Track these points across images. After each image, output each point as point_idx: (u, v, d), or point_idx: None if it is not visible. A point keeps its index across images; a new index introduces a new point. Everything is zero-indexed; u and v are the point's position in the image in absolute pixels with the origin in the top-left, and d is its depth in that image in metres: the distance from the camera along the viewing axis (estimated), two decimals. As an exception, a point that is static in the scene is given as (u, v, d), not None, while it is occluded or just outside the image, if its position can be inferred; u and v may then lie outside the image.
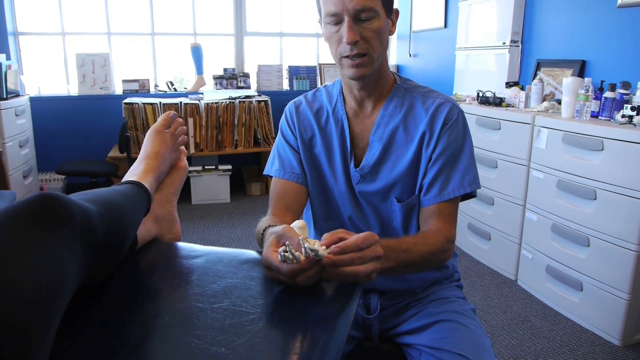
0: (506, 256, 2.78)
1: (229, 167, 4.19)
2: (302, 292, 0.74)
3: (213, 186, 4.19)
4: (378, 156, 1.12)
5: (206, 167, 4.15)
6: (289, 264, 0.71)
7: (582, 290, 2.24)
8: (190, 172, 4.06)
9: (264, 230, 0.92)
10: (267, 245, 0.78)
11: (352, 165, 1.14)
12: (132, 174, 0.93)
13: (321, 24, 1.09)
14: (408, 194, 1.12)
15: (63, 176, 4.14)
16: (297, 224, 0.83)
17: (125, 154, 3.61)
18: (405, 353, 1.14)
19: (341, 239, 0.76)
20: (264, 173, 1.23)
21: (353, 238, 0.75)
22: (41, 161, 4.06)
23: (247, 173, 4.62)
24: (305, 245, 0.71)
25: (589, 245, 2.18)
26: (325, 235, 0.77)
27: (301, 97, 1.24)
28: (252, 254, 0.90)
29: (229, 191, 4.26)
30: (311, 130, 1.19)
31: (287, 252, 0.71)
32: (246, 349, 0.60)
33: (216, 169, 4.16)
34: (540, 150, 2.44)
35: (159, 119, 1.05)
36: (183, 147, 1.08)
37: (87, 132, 4.37)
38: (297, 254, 0.71)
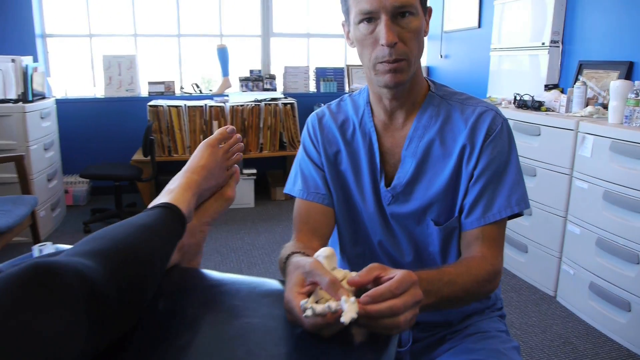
0: (545, 270, 2.63)
1: (254, 171, 4.12)
2: (329, 338, 0.64)
3: (237, 191, 4.08)
4: (412, 174, 1.01)
5: (231, 171, 4.08)
6: (312, 319, 0.61)
7: (630, 310, 2.08)
8: (214, 176, 3.99)
9: (286, 258, 0.81)
10: (290, 284, 0.68)
11: (382, 184, 1.04)
12: (169, 190, 0.82)
13: (347, 26, 0.98)
14: (446, 216, 1.01)
15: (87, 179, 4.14)
16: (323, 252, 0.73)
17: (149, 158, 3.58)
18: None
19: (377, 279, 0.66)
20: (284, 191, 1.13)
21: (387, 284, 0.64)
22: (66, 164, 4.06)
23: (272, 177, 4.54)
24: (330, 305, 0.61)
25: (639, 263, 2.02)
26: (359, 274, 0.66)
27: (324, 108, 1.13)
28: (273, 284, 0.80)
29: (254, 196, 4.19)
30: (336, 145, 1.08)
31: (311, 307, 0.61)
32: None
33: (241, 172, 4.08)
34: (585, 158, 2.28)
35: (215, 133, 0.94)
36: (237, 170, 0.96)
37: (112, 134, 4.37)
38: (322, 307, 0.61)
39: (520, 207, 0.97)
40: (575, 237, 2.38)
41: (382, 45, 0.89)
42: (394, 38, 0.88)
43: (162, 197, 0.80)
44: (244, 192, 4.14)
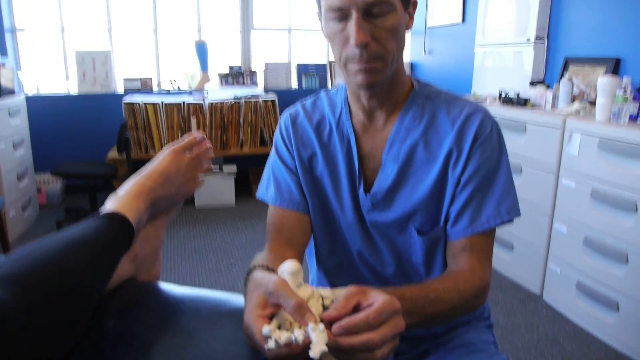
0: (531, 269, 2.58)
1: (234, 168, 4.03)
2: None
3: (217, 189, 4.02)
4: (393, 180, 0.92)
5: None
6: (276, 349, 0.53)
7: (618, 310, 2.04)
8: (193, 174, 3.89)
9: (248, 274, 0.71)
10: (250, 305, 0.59)
11: (361, 190, 0.95)
12: (117, 197, 0.73)
13: (320, 18, 0.89)
14: (431, 225, 0.93)
15: (61, 178, 4.00)
16: (288, 267, 0.64)
17: (124, 156, 3.46)
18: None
19: (357, 307, 0.58)
20: (257, 197, 1.03)
21: (363, 314, 0.55)
22: (38, 162, 3.91)
23: (253, 174, 4.44)
24: (295, 337, 0.53)
25: (627, 262, 1.97)
26: (335, 306, 0.58)
27: (298, 107, 1.03)
28: (239, 301, 0.72)
29: (234, 194, 4.09)
30: (311, 148, 0.99)
31: (274, 339, 0.53)
32: None
33: (221, 170, 3.99)
34: (572, 156, 2.23)
35: (183, 140, 0.84)
36: (203, 178, 0.87)
37: (86, 132, 4.23)
38: (287, 337, 0.53)
39: (510, 215, 0.89)
40: (562, 235, 2.33)
41: (353, 45, 0.80)
42: (366, 38, 0.79)
43: (109, 204, 0.71)
44: (224, 190, 4.04)
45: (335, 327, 0.53)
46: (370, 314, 0.55)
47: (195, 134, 0.86)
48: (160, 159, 0.81)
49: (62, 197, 4.17)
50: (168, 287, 0.78)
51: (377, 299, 0.57)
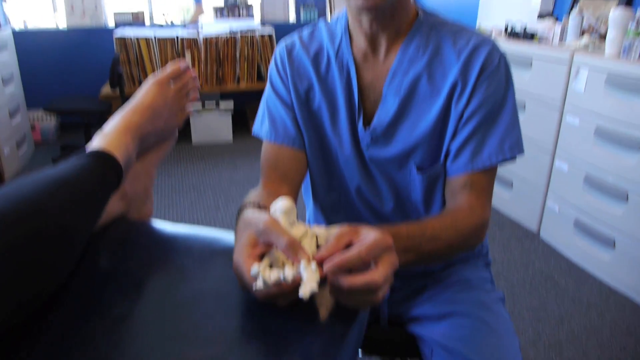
0: (529, 207, 2.58)
1: (231, 104, 3.95)
2: (288, 309, 0.55)
3: (214, 125, 3.97)
4: (394, 114, 0.88)
5: (206, 105, 3.91)
6: (265, 289, 0.52)
7: (614, 248, 2.06)
8: (189, 111, 3.83)
9: (239, 212, 0.69)
10: (240, 245, 0.57)
11: (360, 124, 0.91)
12: (103, 133, 0.69)
13: None
14: (431, 161, 0.90)
15: (55, 115, 3.94)
16: (280, 205, 0.61)
17: (118, 92, 3.39)
18: (417, 344, 0.97)
19: (349, 246, 0.56)
20: (252, 133, 1.00)
21: (354, 249, 0.53)
22: (31, 99, 3.84)
23: (250, 110, 4.38)
24: (284, 275, 0.51)
25: (627, 201, 1.97)
26: (327, 246, 0.55)
27: (294, 38, 0.97)
28: (230, 240, 0.70)
29: (232, 131, 4.05)
30: (308, 81, 0.94)
31: (262, 278, 0.51)
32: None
33: (217, 107, 3.93)
34: (578, 92, 2.17)
35: (166, 69, 0.80)
36: (190, 109, 0.84)
37: (78, 67, 4.12)
38: (276, 277, 0.51)
39: (513, 152, 0.86)
40: (562, 173, 2.32)
41: None
42: None
43: (96, 141, 0.67)
44: (221, 127, 3.99)
45: (327, 266, 0.52)
46: (362, 250, 0.53)
47: (178, 62, 0.82)
48: (145, 92, 0.77)
49: (57, 134, 4.12)
50: (160, 225, 0.77)
51: (369, 236, 0.55)
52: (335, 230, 0.57)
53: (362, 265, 0.53)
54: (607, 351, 1.74)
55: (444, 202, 0.92)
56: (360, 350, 1.04)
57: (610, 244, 2.08)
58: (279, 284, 0.51)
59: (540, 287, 2.12)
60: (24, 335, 0.50)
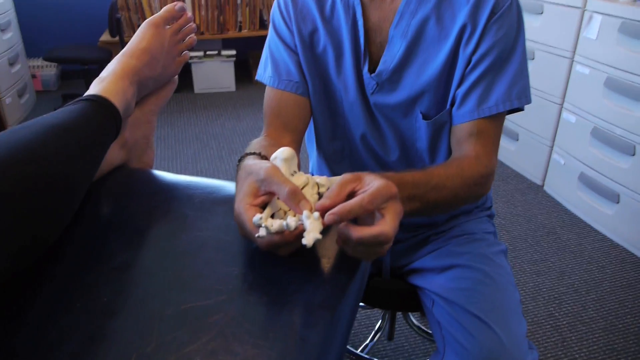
0: (534, 159, 2.57)
1: (233, 52, 3.88)
2: (289, 259, 0.55)
3: (216, 73, 3.91)
4: (400, 58, 0.86)
5: (208, 52, 3.84)
6: (268, 238, 0.51)
7: (618, 202, 2.06)
8: (191, 57, 3.77)
9: (239, 161, 0.68)
10: (241, 194, 0.57)
11: (365, 69, 0.89)
12: (100, 79, 0.68)
13: None
14: (437, 108, 0.88)
15: (55, 63, 3.88)
16: (281, 153, 0.61)
17: (117, 39, 3.32)
18: (419, 296, 0.98)
19: (352, 195, 0.54)
20: (256, 78, 0.98)
21: (357, 198, 0.52)
22: (30, 47, 3.77)
23: (253, 58, 4.30)
24: (288, 224, 0.50)
25: (634, 154, 1.95)
26: (328, 194, 0.54)
27: None
28: (232, 189, 0.70)
29: (234, 79, 3.99)
30: (312, 24, 0.91)
31: (265, 226, 0.51)
32: (206, 355, 0.43)
33: (219, 54, 3.85)
34: (590, 40, 2.11)
35: (161, 11, 0.78)
36: (187, 55, 0.82)
37: (75, 14, 4.01)
38: (279, 225, 0.51)
39: (521, 101, 0.84)
40: (569, 125, 2.29)
41: None
42: None
43: (92, 88, 0.66)
44: (223, 75, 3.93)
45: (328, 214, 0.51)
46: (365, 198, 0.52)
47: (173, 4, 0.79)
48: (140, 35, 0.75)
49: (58, 83, 4.07)
50: (160, 174, 0.76)
51: (373, 184, 0.54)
52: (338, 179, 0.56)
53: (365, 214, 0.52)
54: (606, 305, 1.77)
55: (449, 152, 0.91)
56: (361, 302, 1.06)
57: (614, 198, 2.07)
58: (281, 232, 0.50)
59: (542, 241, 2.14)
60: (26, 286, 0.51)
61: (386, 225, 0.52)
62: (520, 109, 0.87)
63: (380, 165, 0.98)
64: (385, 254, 0.54)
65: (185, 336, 0.45)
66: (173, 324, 0.46)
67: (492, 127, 0.85)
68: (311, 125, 1.01)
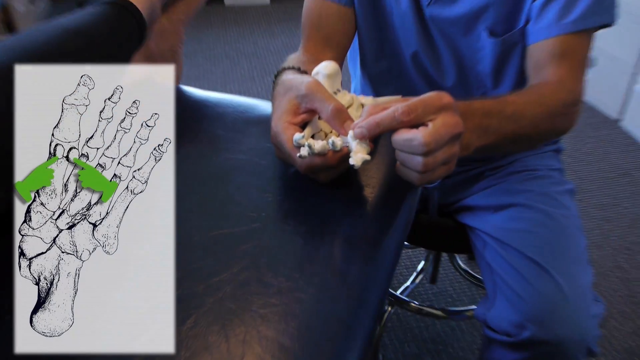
0: (612, 89, 2.45)
1: (269, -42, 3.77)
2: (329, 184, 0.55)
3: (249, -15, 3.82)
4: None
5: (241, -42, 3.74)
6: (309, 159, 0.51)
7: None
8: (221, -36, 3.69)
9: (276, 76, 0.67)
10: (279, 111, 0.56)
11: None
12: None
13: None
14: (506, 26, 0.82)
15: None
16: (324, 68, 0.59)
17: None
18: (469, 236, 0.97)
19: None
20: None
21: (390, 109, 0.50)
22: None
23: (291, -33, 4.17)
24: (334, 142, 0.49)
25: None
26: (368, 110, 0.52)
27: None
28: (267, 109, 0.69)
29: (269, -10, 3.91)
30: None
31: (307, 145, 0.50)
32: (236, 286, 0.44)
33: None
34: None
35: None
36: None
37: None
38: (323, 145, 0.50)
39: (610, 15, 0.78)
40: (659, 50, 2.16)
41: None
42: None
43: None
44: (257, -15, 3.84)
45: (356, 129, 0.49)
46: (400, 108, 0.49)
47: None
48: None
49: (74, -11, 4.08)
50: (189, 89, 0.77)
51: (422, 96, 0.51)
52: (385, 99, 0.55)
53: (400, 126, 0.50)
54: (682, 258, 1.73)
55: (517, 79, 0.86)
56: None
57: None
58: (324, 153, 0.50)
59: (614, 183, 2.08)
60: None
61: (424, 130, 0.49)
62: (608, 25, 0.81)
63: (433, 90, 0.95)
64: (431, 179, 0.52)
65: (214, 265, 0.46)
66: (201, 252, 0.47)
67: (579, 44, 0.78)
68: (355, 42, 0.98)
